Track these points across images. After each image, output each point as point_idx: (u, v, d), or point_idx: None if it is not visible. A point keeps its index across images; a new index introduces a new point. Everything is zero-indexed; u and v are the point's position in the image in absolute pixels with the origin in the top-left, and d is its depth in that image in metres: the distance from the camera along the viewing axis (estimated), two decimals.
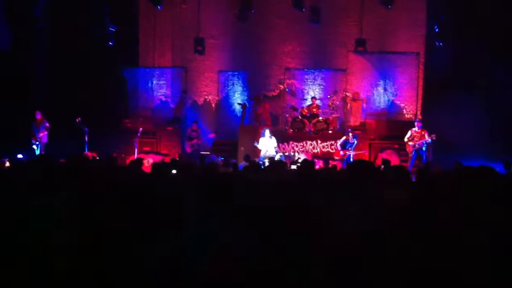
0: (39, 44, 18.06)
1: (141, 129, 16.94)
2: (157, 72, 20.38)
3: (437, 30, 17.45)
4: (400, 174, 5.37)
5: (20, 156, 14.24)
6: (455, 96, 16.19)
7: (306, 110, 17.95)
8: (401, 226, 3.06)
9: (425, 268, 2.88)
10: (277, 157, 15.63)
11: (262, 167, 11.53)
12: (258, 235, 2.87)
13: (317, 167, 12.51)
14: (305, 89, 19.53)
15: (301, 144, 17.36)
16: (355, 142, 15.97)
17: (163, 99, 20.24)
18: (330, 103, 18.12)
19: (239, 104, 19.56)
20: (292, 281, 2.79)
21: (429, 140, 15.31)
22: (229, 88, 20.15)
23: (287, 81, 19.58)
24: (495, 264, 2.87)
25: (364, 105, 18.48)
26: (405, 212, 3.25)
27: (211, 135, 18.68)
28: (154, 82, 20.33)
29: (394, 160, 15.36)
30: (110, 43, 18.72)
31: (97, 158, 14.38)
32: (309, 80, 19.55)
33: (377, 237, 2.97)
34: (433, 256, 2.90)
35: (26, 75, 17.51)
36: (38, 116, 16.13)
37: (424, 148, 15.46)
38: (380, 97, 19.10)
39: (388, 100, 19.06)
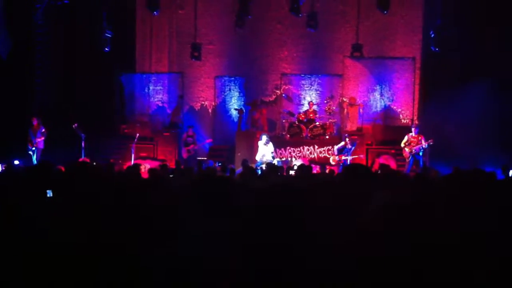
0: (36, 51, 18.05)
1: (138, 134, 16.90)
2: (154, 78, 20.41)
3: (433, 35, 17.50)
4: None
5: (16, 162, 14.20)
6: (452, 100, 16.26)
7: (302, 116, 17.98)
8: (399, 228, 3.07)
9: (424, 272, 2.88)
10: (274, 163, 15.62)
11: (259, 171, 11.56)
12: (255, 236, 2.89)
13: (314, 172, 12.51)
14: (302, 95, 19.57)
15: (298, 149, 17.38)
16: (353, 148, 16.01)
17: (160, 104, 20.26)
18: (327, 108, 18.16)
19: (235, 109, 19.58)
20: (290, 281, 2.80)
21: (426, 145, 15.33)
22: (225, 94, 20.18)
23: (284, 86, 19.62)
24: (494, 267, 2.88)
25: (361, 110, 18.50)
26: (403, 215, 3.26)
27: (208, 141, 18.67)
28: (151, 87, 20.35)
29: (391, 165, 15.36)
30: (106, 49, 18.73)
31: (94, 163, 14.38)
32: (305, 86, 19.59)
33: (375, 239, 2.97)
34: (432, 260, 2.91)
35: (23, 82, 17.48)
36: (35, 122, 16.10)
37: (421, 153, 15.48)
38: (377, 102, 19.15)
39: (385, 105, 19.11)
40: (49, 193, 4.30)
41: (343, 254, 2.87)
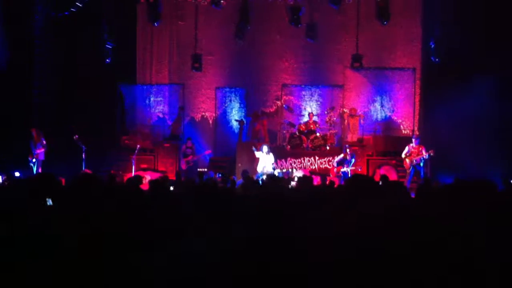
0: (36, 62, 18.08)
1: (138, 146, 16.90)
2: (155, 89, 20.41)
3: (432, 45, 17.54)
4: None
5: (17, 173, 14.21)
6: (452, 110, 16.30)
7: (303, 127, 17.98)
8: (400, 238, 3.08)
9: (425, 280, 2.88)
10: (275, 174, 15.61)
11: (261, 182, 11.54)
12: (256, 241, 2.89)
13: (314, 183, 12.51)
14: (303, 105, 19.58)
15: (299, 160, 17.36)
16: (353, 160, 15.98)
17: (161, 116, 20.24)
18: (328, 119, 18.16)
19: (236, 120, 19.58)
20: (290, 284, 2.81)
21: (427, 156, 15.30)
22: (226, 105, 20.18)
23: (285, 97, 19.63)
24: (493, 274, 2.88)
25: (362, 121, 18.48)
26: (404, 225, 3.26)
27: (207, 152, 18.64)
28: (152, 99, 20.35)
29: (392, 176, 15.36)
30: (107, 60, 18.77)
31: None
32: (306, 96, 19.61)
33: (375, 248, 2.98)
34: (433, 269, 2.91)
35: (24, 93, 17.50)
36: (34, 133, 16.05)
37: (421, 164, 15.45)
38: (377, 113, 19.17)
39: (385, 116, 19.12)
40: (49, 202, 4.34)
41: (343, 255, 2.88)
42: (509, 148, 16.13)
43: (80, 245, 3.12)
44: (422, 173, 15.40)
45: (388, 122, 19.11)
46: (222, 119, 20.21)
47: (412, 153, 15.53)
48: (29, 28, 17.67)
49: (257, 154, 16.24)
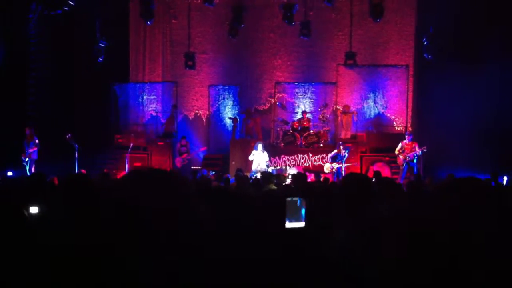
0: (30, 61, 18.02)
1: (132, 144, 16.87)
2: (148, 87, 20.37)
3: (425, 42, 17.55)
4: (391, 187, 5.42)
5: (10, 173, 14.15)
6: (446, 106, 16.34)
7: (297, 124, 17.98)
8: (396, 238, 3.08)
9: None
10: (269, 171, 15.59)
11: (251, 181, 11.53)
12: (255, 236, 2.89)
13: (308, 180, 12.51)
14: (296, 103, 19.59)
15: (293, 157, 17.38)
16: (346, 155, 15.98)
17: (154, 114, 20.22)
18: (321, 116, 18.18)
19: (230, 118, 19.58)
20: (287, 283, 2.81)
21: (420, 152, 15.33)
22: (219, 103, 20.18)
23: (278, 94, 19.64)
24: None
25: (355, 117, 18.54)
26: (400, 224, 3.26)
27: (202, 149, 18.63)
28: (145, 97, 20.32)
29: (386, 173, 15.38)
30: (100, 58, 18.70)
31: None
32: (299, 94, 19.62)
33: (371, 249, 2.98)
34: (428, 270, 2.91)
35: (17, 92, 17.45)
36: (27, 132, 16.01)
37: (415, 160, 15.48)
38: (370, 109, 19.20)
39: (378, 113, 19.15)
40: (33, 210, 4.16)
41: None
42: (502, 145, 16.17)
43: (74, 244, 3.11)
44: (415, 169, 15.43)
45: (381, 119, 19.15)
46: (216, 116, 20.22)
47: (405, 149, 15.55)
48: (24, 26, 17.60)
49: (251, 156, 16.17)
